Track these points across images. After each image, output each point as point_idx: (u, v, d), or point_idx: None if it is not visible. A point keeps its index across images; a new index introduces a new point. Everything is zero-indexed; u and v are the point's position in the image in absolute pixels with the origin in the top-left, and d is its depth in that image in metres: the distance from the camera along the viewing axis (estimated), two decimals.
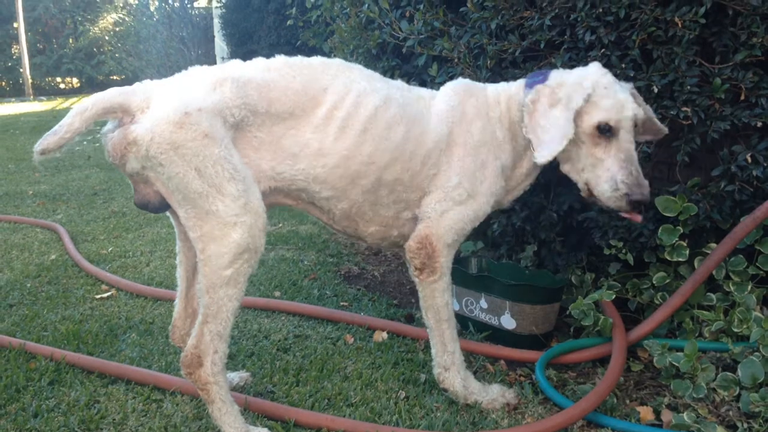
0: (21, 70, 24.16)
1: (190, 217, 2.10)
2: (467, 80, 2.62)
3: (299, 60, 2.34)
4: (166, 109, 2.03)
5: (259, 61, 2.31)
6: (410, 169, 2.39)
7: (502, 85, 2.60)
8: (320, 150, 2.26)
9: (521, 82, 2.55)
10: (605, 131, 2.33)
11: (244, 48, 9.87)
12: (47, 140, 2.02)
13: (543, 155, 2.35)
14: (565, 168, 2.52)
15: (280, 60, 2.32)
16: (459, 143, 2.44)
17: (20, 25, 23.43)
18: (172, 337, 2.51)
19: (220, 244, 2.09)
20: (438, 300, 2.49)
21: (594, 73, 2.41)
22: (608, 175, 2.34)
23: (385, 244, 2.63)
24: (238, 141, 2.17)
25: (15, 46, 25.45)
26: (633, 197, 2.29)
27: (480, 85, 2.61)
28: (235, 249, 2.10)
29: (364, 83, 2.35)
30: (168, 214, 2.32)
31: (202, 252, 2.12)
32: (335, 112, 2.27)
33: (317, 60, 2.37)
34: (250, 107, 2.16)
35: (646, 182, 2.32)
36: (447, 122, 2.44)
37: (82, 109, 2.04)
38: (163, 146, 2.00)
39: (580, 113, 2.36)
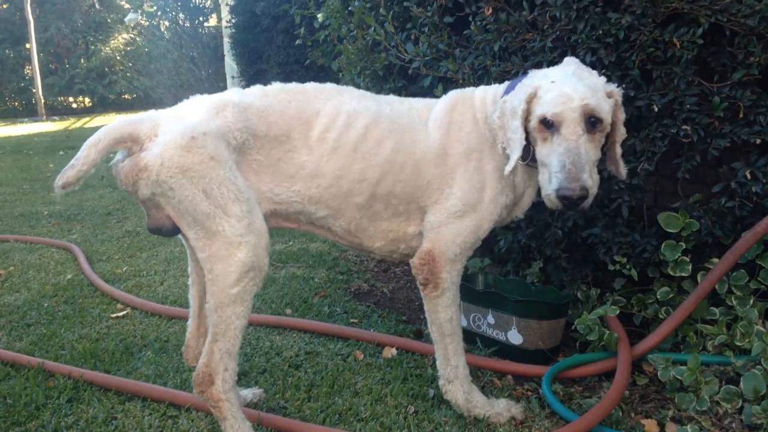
0: (34, 90, 24.42)
1: (199, 238, 2.18)
2: (458, 90, 2.65)
3: (294, 86, 2.45)
4: (173, 135, 2.12)
5: (256, 88, 2.42)
6: (402, 181, 2.44)
7: (491, 87, 2.61)
8: (314, 171, 2.35)
9: (506, 84, 2.54)
10: (548, 126, 2.26)
11: (253, 67, 9.99)
12: (66, 174, 2.09)
13: (507, 167, 2.35)
14: None
15: (276, 86, 2.43)
16: (450, 154, 2.47)
17: (32, 46, 23.71)
18: (185, 356, 2.57)
19: (227, 264, 2.16)
20: (441, 315, 2.55)
21: (553, 69, 2.39)
22: (548, 175, 2.25)
23: (396, 257, 2.67)
24: (240, 164, 2.25)
25: (28, 67, 25.74)
26: (560, 192, 2.16)
27: (469, 90, 2.63)
28: (241, 268, 2.17)
29: (354, 104, 2.44)
30: (181, 236, 2.40)
31: (210, 272, 2.19)
32: (327, 134, 2.36)
33: (311, 85, 2.47)
34: (251, 131, 2.26)
35: (583, 177, 2.16)
36: (437, 133, 2.48)
37: (95, 141, 2.12)
38: (173, 170, 2.09)
39: (530, 113, 2.32)
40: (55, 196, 2.16)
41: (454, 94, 2.60)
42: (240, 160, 2.25)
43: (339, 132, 2.37)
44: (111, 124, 2.18)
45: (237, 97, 2.32)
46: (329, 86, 2.49)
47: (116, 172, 2.20)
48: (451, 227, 2.47)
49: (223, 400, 2.24)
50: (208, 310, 2.24)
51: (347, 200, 2.41)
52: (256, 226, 2.20)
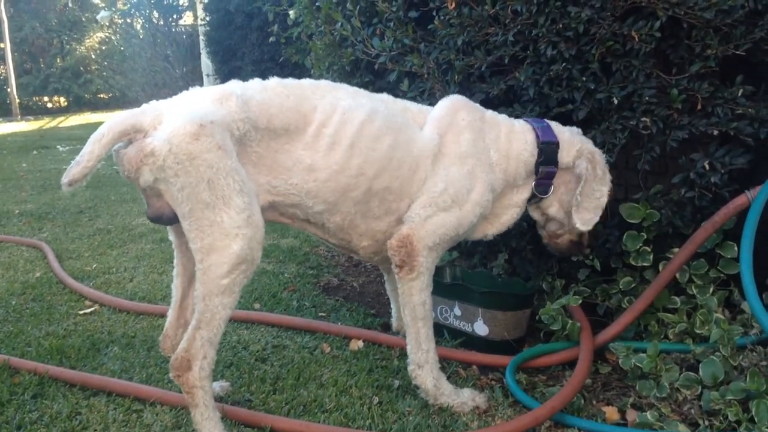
0: (8, 90, 24.11)
1: (194, 228, 2.16)
2: (461, 97, 2.75)
3: (291, 81, 2.48)
4: (181, 122, 2.11)
5: (255, 82, 2.44)
6: (399, 177, 2.50)
7: (503, 116, 2.79)
8: (312, 165, 2.38)
9: (525, 123, 2.76)
10: None
11: (228, 65, 9.96)
12: (72, 171, 2.07)
13: (590, 223, 2.73)
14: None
15: (274, 81, 2.46)
16: (445, 153, 2.57)
17: (6, 45, 23.44)
18: (162, 346, 2.56)
19: (221, 255, 2.16)
20: (415, 298, 2.58)
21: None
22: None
23: (377, 259, 2.75)
24: (240, 155, 2.26)
25: (2, 67, 25.43)
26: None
27: (477, 105, 2.76)
28: (235, 260, 2.17)
29: (349, 100, 2.47)
30: (168, 228, 2.42)
31: (201, 262, 2.18)
32: (324, 130, 2.39)
33: (307, 81, 2.51)
34: (252, 122, 2.27)
35: None
36: (434, 132, 2.58)
37: (99, 136, 2.10)
38: (180, 157, 2.08)
39: None
40: (63, 191, 2.12)
41: (456, 99, 2.71)
42: (240, 151, 2.26)
43: (335, 128, 2.40)
44: (113, 118, 2.16)
45: (239, 88, 2.34)
46: (324, 83, 2.53)
47: (118, 158, 2.18)
48: (435, 219, 2.54)
49: (198, 387, 2.24)
50: (195, 298, 2.23)
51: (345, 195, 2.45)
52: (254, 219, 2.21)
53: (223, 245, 2.16)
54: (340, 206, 2.47)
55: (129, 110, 2.21)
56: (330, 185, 2.41)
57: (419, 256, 2.53)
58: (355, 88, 2.60)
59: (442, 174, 2.55)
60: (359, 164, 2.42)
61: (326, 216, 2.49)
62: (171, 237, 2.48)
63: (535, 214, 2.89)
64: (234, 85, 2.38)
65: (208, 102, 2.23)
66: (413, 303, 2.59)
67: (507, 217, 2.81)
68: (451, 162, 2.56)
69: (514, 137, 2.71)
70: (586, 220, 2.71)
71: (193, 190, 2.11)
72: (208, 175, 2.11)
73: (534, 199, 2.79)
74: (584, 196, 2.71)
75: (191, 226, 2.17)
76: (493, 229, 2.82)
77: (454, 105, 2.67)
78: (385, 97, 2.66)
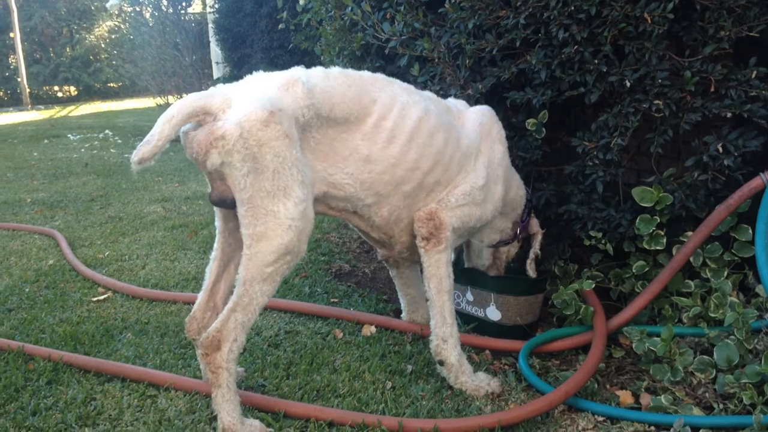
0: (18, 79, 24.15)
1: (249, 215, 2.17)
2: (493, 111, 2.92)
3: (352, 71, 2.53)
4: (252, 107, 2.13)
5: (318, 70, 2.47)
6: (449, 171, 2.63)
7: None
8: (368, 156, 2.44)
9: None
10: None
11: (237, 52, 9.94)
12: (142, 150, 2.07)
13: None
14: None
15: (336, 70, 2.50)
16: (484, 153, 2.75)
17: (16, 35, 23.47)
18: (188, 328, 2.54)
19: (270, 243, 2.18)
20: (441, 270, 2.64)
21: None
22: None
23: (406, 255, 2.85)
24: (300, 141, 2.28)
25: (12, 56, 25.46)
26: None
27: None
28: (282, 250, 2.19)
29: (405, 96, 2.55)
30: (216, 211, 2.45)
31: (249, 247, 2.20)
32: (383, 123, 2.46)
33: (366, 73, 2.56)
34: (316, 109, 2.30)
35: None
36: (478, 134, 2.75)
37: (168, 117, 2.11)
38: (250, 142, 2.10)
39: None
40: (132, 170, 2.11)
41: (492, 113, 2.90)
42: (302, 137, 2.29)
43: (395, 122, 2.48)
44: (183, 99, 2.17)
45: (303, 75, 2.36)
46: (380, 76, 2.60)
47: (187, 141, 2.19)
48: (465, 208, 2.68)
49: (224, 368, 2.24)
50: (236, 281, 2.24)
51: (397, 188, 2.54)
52: (308, 214, 2.23)
53: (274, 234, 2.17)
54: (391, 199, 2.55)
55: (198, 92, 2.22)
56: (385, 177, 2.48)
57: (446, 230, 2.62)
58: (407, 85, 2.66)
59: (482, 171, 2.70)
60: (416, 158, 2.51)
61: (375, 209, 2.56)
62: (217, 222, 2.49)
63: (489, 259, 3.21)
64: (299, 71, 2.40)
65: (275, 88, 2.25)
66: (440, 275, 2.64)
67: (495, 235, 3.08)
68: (488, 164, 2.74)
69: (517, 176, 3.05)
70: (535, 269, 3.15)
71: (257, 177, 2.13)
72: (275, 164, 2.13)
73: (503, 243, 3.15)
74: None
75: (247, 212, 2.18)
76: (487, 239, 3.09)
77: (491, 117, 2.86)
78: (431, 95, 2.75)
